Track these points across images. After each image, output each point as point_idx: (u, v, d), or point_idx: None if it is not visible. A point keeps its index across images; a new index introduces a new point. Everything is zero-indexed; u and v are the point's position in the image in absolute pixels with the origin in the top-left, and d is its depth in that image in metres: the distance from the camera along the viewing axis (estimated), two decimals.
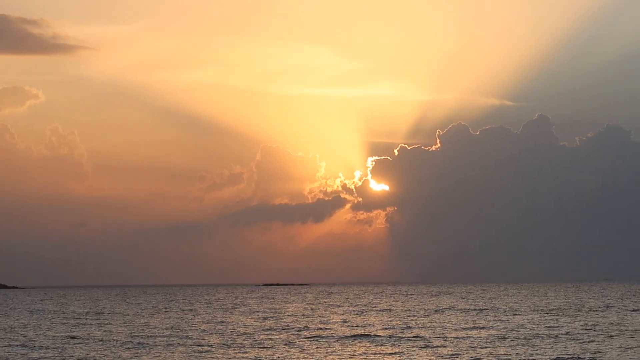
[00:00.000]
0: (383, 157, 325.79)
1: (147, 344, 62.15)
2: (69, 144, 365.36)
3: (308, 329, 76.68)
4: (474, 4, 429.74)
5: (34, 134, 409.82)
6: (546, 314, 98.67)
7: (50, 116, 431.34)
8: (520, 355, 49.91)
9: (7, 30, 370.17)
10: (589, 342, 57.87)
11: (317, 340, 62.15)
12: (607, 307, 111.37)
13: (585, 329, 68.96)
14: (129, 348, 60.97)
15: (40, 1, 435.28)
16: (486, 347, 54.49)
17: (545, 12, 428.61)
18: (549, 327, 73.89)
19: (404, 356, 50.23)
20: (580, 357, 46.60)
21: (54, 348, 61.72)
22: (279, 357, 50.60)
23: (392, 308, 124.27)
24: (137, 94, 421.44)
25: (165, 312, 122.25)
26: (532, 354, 49.67)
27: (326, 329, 78.35)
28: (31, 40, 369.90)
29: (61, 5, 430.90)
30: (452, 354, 50.00)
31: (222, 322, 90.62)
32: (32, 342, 67.74)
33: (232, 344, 59.90)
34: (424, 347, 54.74)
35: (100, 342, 64.13)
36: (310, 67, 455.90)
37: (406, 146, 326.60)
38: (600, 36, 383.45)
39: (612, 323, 76.48)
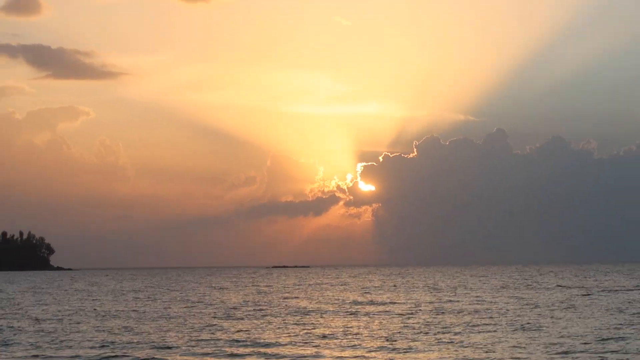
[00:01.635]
0: (370, 163, 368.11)
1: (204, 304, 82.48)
2: (114, 153, 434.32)
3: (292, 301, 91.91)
4: (443, 38, 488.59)
5: (85, 145, 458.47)
6: (470, 290, 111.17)
7: (98, 130, 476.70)
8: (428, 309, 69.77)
9: (63, 60, 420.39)
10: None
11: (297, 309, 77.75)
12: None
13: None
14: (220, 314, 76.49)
15: (91, 36, 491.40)
16: (412, 314, 68.73)
17: (502, 42, 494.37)
18: (474, 302, 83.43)
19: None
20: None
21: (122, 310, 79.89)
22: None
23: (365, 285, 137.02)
24: (169, 112, 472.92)
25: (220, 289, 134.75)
26: (442, 320, 60.90)
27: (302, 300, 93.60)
28: (83, 68, 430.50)
29: (108, 39, 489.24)
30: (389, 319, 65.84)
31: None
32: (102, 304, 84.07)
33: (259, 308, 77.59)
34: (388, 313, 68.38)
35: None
36: (310, 90, 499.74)
37: (389, 154, 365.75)
38: (547, 62, 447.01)
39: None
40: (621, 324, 57.63)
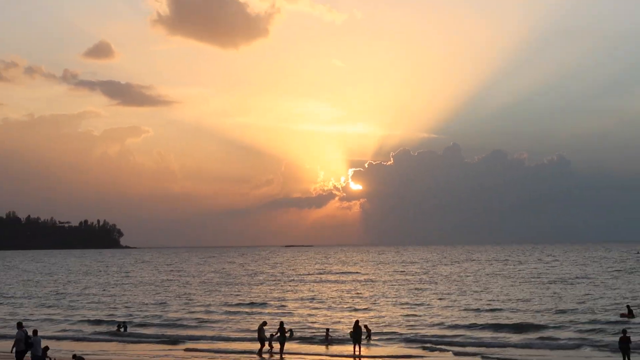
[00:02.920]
0: (358, 169, 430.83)
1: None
2: (167, 161, 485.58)
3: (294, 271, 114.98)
4: (412, 76, 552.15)
5: (146, 155, 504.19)
6: (427, 263, 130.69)
7: (155, 144, 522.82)
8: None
9: (130, 92, 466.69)
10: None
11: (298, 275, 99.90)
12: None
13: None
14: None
15: (150, 73, 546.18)
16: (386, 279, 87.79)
17: (456, 78, 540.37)
18: (430, 273, 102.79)
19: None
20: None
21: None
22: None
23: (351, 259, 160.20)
24: (208, 131, 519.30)
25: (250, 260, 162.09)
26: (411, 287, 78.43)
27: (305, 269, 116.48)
28: (144, 98, 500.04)
29: (162, 76, 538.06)
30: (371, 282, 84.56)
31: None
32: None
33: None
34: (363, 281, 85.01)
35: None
36: (314, 114, 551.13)
37: (372, 162, 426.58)
38: (491, 93, 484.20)
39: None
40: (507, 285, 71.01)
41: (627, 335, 26.65)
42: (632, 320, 39.46)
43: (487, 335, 35.96)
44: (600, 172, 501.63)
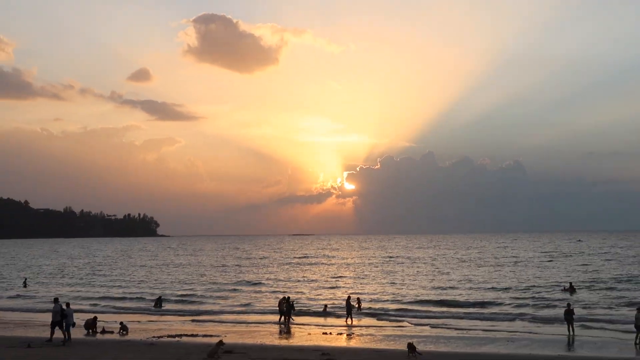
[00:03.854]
0: (351, 172, 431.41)
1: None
2: (196, 166, 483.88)
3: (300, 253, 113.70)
4: (395, 96, 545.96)
5: (178, 161, 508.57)
6: (407, 248, 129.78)
7: (187, 152, 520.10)
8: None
9: (165, 109, 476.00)
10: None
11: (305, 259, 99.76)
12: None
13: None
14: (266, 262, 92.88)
15: (182, 94, 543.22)
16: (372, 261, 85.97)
17: (432, 96, 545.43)
18: (407, 256, 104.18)
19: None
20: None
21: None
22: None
23: (343, 246, 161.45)
24: (229, 141, 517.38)
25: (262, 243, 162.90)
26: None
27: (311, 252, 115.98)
28: (177, 114, 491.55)
29: (192, 96, 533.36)
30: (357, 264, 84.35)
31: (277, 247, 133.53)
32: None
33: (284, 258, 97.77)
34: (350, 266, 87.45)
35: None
36: (315, 127, 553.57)
37: (363, 166, 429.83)
38: (461, 108, 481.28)
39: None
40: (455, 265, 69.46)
41: (571, 308, 26.42)
42: (574, 296, 39.40)
43: (440, 309, 35.54)
44: (548, 175, 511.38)
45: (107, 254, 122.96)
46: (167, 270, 74.11)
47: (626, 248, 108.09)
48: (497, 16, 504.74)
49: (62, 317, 23.64)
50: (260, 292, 46.62)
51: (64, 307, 24.18)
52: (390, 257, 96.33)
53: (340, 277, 59.48)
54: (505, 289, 43.80)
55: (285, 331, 28.10)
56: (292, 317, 30.49)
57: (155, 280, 58.74)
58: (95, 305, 40.72)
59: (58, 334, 23.62)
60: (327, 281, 55.11)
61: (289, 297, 31.94)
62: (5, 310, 37.96)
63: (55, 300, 24.80)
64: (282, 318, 30.37)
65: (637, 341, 22.73)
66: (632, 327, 26.63)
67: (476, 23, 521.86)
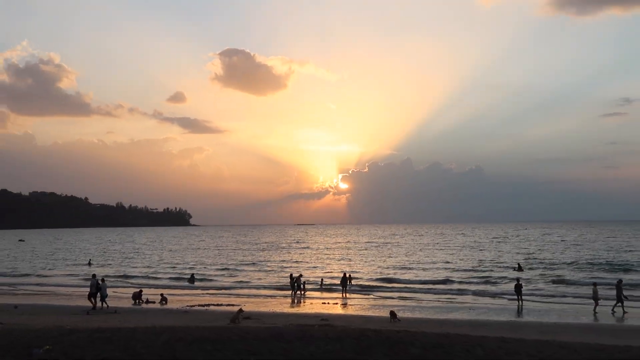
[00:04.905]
0: (345, 174, 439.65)
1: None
2: (221, 170, 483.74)
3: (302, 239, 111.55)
4: (379, 112, 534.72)
5: (207, 166, 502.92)
6: (389, 235, 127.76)
7: (213, 159, 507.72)
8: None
9: (196, 125, 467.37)
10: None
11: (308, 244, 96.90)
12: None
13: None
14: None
15: (210, 112, 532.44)
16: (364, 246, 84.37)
17: (409, 110, 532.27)
18: (390, 241, 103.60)
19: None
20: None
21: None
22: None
23: (339, 233, 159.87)
24: (248, 149, 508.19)
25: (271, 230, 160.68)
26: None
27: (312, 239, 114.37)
28: (206, 128, 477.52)
29: (218, 113, 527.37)
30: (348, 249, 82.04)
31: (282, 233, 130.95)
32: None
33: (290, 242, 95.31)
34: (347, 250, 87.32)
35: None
36: (316, 138, 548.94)
37: (354, 170, 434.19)
38: (434, 122, 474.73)
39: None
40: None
41: (520, 283, 26.41)
42: (522, 274, 39.52)
43: (413, 285, 34.97)
44: (502, 177, 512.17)
45: (151, 240, 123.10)
46: (197, 252, 73.82)
47: (564, 235, 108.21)
48: (462, 51, 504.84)
49: (97, 289, 23.71)
50: (269, 270, 46.48)
51: (100, 282, 24.27)
52: (374, 242, 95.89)
53: (333, 258, 59.09)
54: (465, 269, 43.30)
55: (295, 302, 27.90)
56: (303, 292, 30.06)
57: (187, 261, 58.27)
58: (140, 280, 40.66)
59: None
60: (322, 260, 54.83)
61: (300, 275, 31.55)
62: (71, 286, 37.80)
63: (93, 276, 25.11)
64: (295, 292, 29.97)
65: (596, 310, 22.68)
66: (568, 299, 26.64)
67: (445, 55, 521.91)
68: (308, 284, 32.08)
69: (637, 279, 33.77)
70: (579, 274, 37.82)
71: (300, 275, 31.35)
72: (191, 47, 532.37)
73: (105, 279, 26.12)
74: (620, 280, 24.11)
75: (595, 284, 24.39)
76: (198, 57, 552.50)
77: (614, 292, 23.18)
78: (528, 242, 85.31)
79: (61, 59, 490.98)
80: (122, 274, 44.04)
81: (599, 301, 22.84)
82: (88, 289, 24.74)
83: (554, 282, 34.21)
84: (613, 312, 22.27)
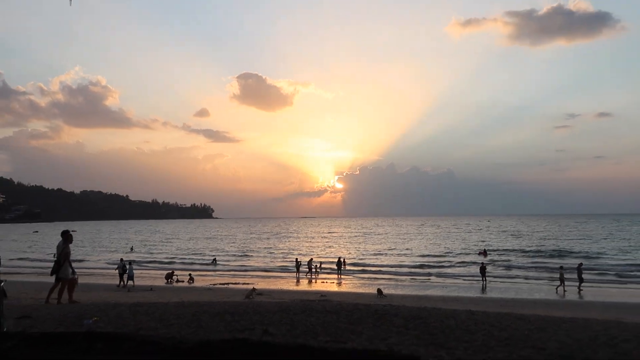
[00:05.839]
0: (340, 176, 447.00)
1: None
2: (238, 173, 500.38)
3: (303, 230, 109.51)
4: (368, 125, 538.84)
5: (227, 169, 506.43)
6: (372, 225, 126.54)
7: (232, 163, 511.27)
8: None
9: (217, 135, 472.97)
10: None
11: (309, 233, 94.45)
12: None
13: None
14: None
15: (228, 125, 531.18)
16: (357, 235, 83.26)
17: (393, 123, 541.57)
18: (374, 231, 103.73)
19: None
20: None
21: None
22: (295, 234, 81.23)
23: (335, 224, 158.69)
24: (259, 155, 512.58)
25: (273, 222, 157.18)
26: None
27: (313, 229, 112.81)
28: (226, 138, 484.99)
29: (235, 126, 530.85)
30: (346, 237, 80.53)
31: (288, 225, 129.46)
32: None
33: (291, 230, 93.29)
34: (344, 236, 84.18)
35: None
36: (316, 146, 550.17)
37: (347, 173, 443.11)
38: (414, 133, 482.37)
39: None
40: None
41: (484, 265, 26.30)
42: (486, 258, 39.36)
43: (394, 269, 34.33)
44: (469, 179, 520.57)
45: (180, 230, 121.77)
46: (217, 240, 73.12)
47: (520, 227, 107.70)
48: (436, 74, 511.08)
49: (123, 270, 23.78)
50: (277, 255, 46.04)
51: (127, 265, 24.31)
52: (363, 232, 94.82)
53: (330, 245, 58.45)
54: (439, 254, 42.87)
55: (309, 280, 27.54)
56: (316, 273, 29.58)
57: (211, 247, 57.89)
58: (171, 262, 40.44)
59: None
60: (320, 247, 54.27)
61: (311, 259, 31.19)
62: (114, 268, 37.52)
63: (121, 260, 25.18)
64: (310, 273, 29.32)
65: (560, 288, 21.97)
66: (521, 279, 26.45)
67: (422, 78, 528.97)
68: (324, 267, 31.43)
69: (572, 263, 33.53)
70: (529, 259, 37.51)
71: (312, 259, 30.95)
72: (214, 71, 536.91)
73: (132, 262, 26.02)
74: (580, 264, 23.68)
75: (561, 267, 23.69)
76: (219, 79, 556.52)
77: (574, 275, 22.94)
78: (489, 231, 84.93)
79: (107, 81, 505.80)
80: (156, 258, 43.59)
81: (564, 282, 22.23)
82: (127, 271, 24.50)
83: (511, 266, 33.92)
84: (579, 290, 21.68)
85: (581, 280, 21.80)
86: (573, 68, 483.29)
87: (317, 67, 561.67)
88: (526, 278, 27.26)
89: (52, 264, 10.78)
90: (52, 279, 10.59)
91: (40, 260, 41.14)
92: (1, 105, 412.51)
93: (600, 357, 4.81)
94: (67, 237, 10.68)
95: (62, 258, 10.42)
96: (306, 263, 29.62)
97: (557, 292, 21.26)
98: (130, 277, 23.67)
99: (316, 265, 29.56)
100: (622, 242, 50.83)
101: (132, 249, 55.17)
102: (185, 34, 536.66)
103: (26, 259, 43.54)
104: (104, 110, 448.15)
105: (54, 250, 10.63)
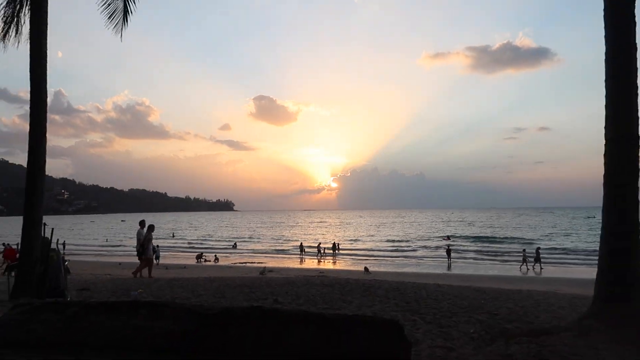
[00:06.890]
0: (335, 177, 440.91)
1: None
2: (254, 174, 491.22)
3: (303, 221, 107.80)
4: (359, 135, 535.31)
5: (245, 172, 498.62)
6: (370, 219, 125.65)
7: (249, 167, 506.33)
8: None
9: (239, 145, 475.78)
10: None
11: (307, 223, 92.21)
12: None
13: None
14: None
15: (247, 136, 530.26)
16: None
17: (379, 134, 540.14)
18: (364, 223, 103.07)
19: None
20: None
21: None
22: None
23: (330, 217, 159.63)
24: (271, 160, 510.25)
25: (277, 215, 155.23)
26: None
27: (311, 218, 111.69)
28: (244, 147, 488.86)
29: (251, 137, 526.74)
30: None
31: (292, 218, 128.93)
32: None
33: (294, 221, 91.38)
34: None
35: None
36: (316, 154, 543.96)
37: (341, 174, 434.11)
38: (396, 141, 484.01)
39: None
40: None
41: (449, 248, 26.15)
42: (450, 240, 38.94)
43: (378, 253, 33.62)
44: (438, 180, 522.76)
45: (207, 220, 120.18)
46: (238, 229, 72.26)
47: (476, 218, 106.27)
48: (412, 95, 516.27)
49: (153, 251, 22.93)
50: (285, 240, 45.40)
51: (155, 247, 22.70)
52: (353, 222, 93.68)
53: (326, 232, 57.67)
54: (412, 238, 42.44)
55: (318, 260, 26.83)
56: (324, 255, 28.81)
57: (232, 234, 57.27)
58: (201, 245, 39.55)
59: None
60: (317, 232, 53.62)
61: (320, 243, 30.72)
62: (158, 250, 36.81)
63: (156, 246, 23.95)
64: (320, 254, 28.05)
65: (523, 267, 20.89)
66: (480, 260, 26.26)
67: (401, 98, 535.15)
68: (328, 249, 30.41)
69: (516, 248, 33.02)
70: (484, 244, 36.98)
71: (320, 244, 30.41)
72: (235, 93, 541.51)
73: (159, 245, 24.90)
74: (538, 247, 23.22)
75: (538, 248, 22.64)
76: (239, 100, 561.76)
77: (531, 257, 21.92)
78: (454, 221, 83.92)
79: (150, 102, 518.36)
80: (189, 243, 42.93)
81: (527, 262, 21.11)
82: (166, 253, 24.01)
83: (469, 250, 33.38)
84: (541, 269, 20.49)
85: (539, 260, 21.11)
86: (520, 91, 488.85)
87: (316, 91, 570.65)
88: (482, 259, 27.21)
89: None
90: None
91: (94, 246, 40.52)
92: (66, 121, 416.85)
93: (542, 320, 4.89)
94: (149, 226, 10.60)
95: (145, 243, 10.40)
96: (315, 246, 29.30)
97: (520, 270, 20.44)
98: (157, 257, 23.11)
99: (324, 248, 28.95)
100: (554, 229, 50.22)
101: (173, 235, 54.51)
102: (212, 66, 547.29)
103: (85, 245, 42.95)
104: (148, 125, 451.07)
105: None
